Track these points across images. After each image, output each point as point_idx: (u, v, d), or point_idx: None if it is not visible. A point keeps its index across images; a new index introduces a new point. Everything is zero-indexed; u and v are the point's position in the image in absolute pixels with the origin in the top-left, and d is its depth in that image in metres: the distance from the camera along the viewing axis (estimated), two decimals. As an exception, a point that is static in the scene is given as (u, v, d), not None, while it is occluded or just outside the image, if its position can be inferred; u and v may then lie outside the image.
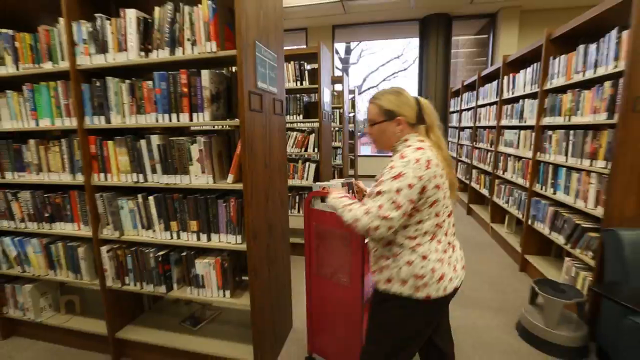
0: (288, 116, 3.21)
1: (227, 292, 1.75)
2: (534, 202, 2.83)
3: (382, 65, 10.65)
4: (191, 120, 1.61)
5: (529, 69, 3.00)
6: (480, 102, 4.42)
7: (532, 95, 2.99)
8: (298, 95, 3.18)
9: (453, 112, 6.05)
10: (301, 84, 3.14)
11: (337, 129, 4.88)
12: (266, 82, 1.74)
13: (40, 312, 2.15)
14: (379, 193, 1.02)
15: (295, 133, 3.25)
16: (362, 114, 10.66)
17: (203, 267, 1.74)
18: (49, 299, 2.19)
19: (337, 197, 1.18)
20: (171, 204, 1.73)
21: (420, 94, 7.04)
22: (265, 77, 1.72)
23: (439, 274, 1.05)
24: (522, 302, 2.46)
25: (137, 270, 1.84)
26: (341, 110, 4.74)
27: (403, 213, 1.01)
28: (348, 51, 9.84)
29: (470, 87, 5.12)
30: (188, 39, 1.53)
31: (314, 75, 3.12)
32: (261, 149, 1.70)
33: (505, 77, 3.55)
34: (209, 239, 1.72)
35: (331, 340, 1.70)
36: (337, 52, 9.36)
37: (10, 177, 1.96)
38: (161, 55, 1.59)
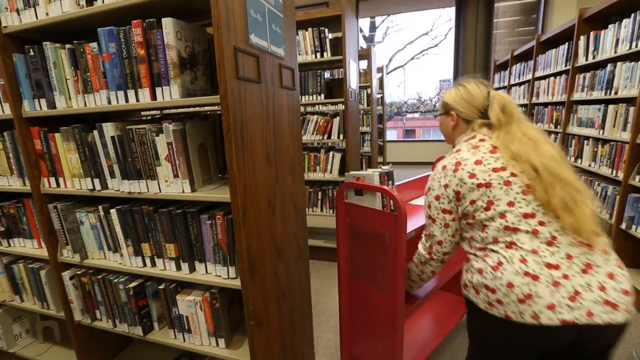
0: (306, 96, 2.59)
1: (222, 341, 1.21)
2: (632, 201, 2.06)
3: (409, 43, 9.65)
4: (154, 98, 1.04)
5: (628, 21, 2.16)
6: (539, 74, 3.55)
7: (633, 57, 2.16)
8: (318, 71, 2.55)
9: (498, 89, 5.14)
10: (321, 55, 2.49)
11: (364, 111, 4.20)
12: (265, 37, 1.13)
13: (14, 340, 1.74)
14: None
15: (315, 117, 2.63)
16: (390, 95, 9.75)
17: (187, 306, 1.20)
18: (25, 324, 1.78)
19: None
20: (140, 220, 1.19)
21: (456, 71, 6.12)
22: (263, 29, 1.11)
23: (522, 293, 0.78)
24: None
25: (108, 304, 1.34)
26: (369, 91, 4.04)
27: (442, 225, 0.99)
28: (373, 28, 8.92)
29: (523, 56, 4.21)
30: (137, -31, 0.95)
31: (338, 46, 2.46)
32: (260, 138, 1.11)
33: (582, 38, 2.70)
34: (191, 270, 1.17)
35: (367, 351, 1.41)
36: (361, 30, 8.49)
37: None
38: (107, 0, 1.02)
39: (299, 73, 2.50)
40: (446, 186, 0.96)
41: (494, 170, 0.89)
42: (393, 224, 1.18)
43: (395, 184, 1.46)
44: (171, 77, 1.01)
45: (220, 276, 1.12)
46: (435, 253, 1.04)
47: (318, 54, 2.50)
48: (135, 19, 1.01)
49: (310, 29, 2.47)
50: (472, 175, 0.91)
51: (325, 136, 2.63)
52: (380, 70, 5.10)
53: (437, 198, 0.98)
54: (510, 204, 0.85)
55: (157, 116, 1.59)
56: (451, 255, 1.05)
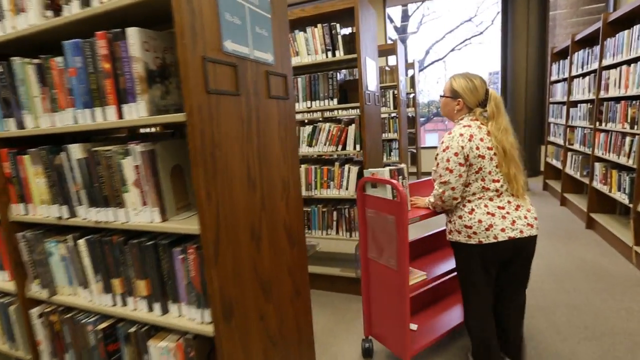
0: (317, 101, 2.59)
1: (199, 396, 1.19)
2: None
3: (449, 32, 9.48)
4: (120, 117, 1.07)
5: None
6: (607, 62, 3.32)
7: None
8: (330, 72, 2.54)
9: (556, 82, 4.88)
10: (333, 54, 2.49)
11: (391, 115, 4.13)
12: (246, 42, 1.13)
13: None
14: (437, 166, 1.53)
15: (327, 125, 2.61)
16: (425, 94, 9.59)
17: (159, 354, 1.20)
18: (2, 363, 1.86)
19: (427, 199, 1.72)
20: (110, 252, 1.21)
21: (504, 61, 5.91)
22: (242, 33, 1.11)
23: (487, 224, 1.46)
24: None
25: (76, 348, 1.37)
26: (395, 92, 3.98)
27: (457, 174, 1.48)
28: (405, 17, 8.87)
29: (588, 41, 3.98)
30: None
31: (352, 42, 2.45)
32: (239, 159, 1.10)
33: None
34: (164, 311, 1.17)
35: (383, 323, 1.84)
36: (392, 20, 8.48)
37: None
38: (75, 10, 1.07)
39: (306, 77, 2.54)
40: (462, 147, 1.47)
41: (488, 148, 1.48)
42: (398, 210, 1.58)
43: (410, 182, 1.89)
44: (137, 93, 1.03)
45: (194, 320, 1.11)
46: (447, 198, 1.52)
47: (329, 53, 2.50)
48: (103, 30, 1.05)
49: (320, 25, 2.49)
50: (478, 148, 1.47)
51: (340, 147, 2.60)
52: (411, 66, 5.02)
53: (456, 154, 1.47)
54: (489, 172, 1.48)
55: (132, 135, 1.64)
56: (459, 200, 1.53)
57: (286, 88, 1.39)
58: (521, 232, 1.45)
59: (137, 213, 1.11)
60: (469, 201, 1.50)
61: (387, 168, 1.69)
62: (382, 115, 4.12)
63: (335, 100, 2.55)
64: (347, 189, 2.61)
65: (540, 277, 2.71)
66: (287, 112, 1.39)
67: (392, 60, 4.03)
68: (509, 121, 1.53)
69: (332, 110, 2.71)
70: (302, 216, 1.51)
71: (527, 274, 1.58)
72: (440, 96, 1.66)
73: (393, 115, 4.10)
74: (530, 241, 1.49)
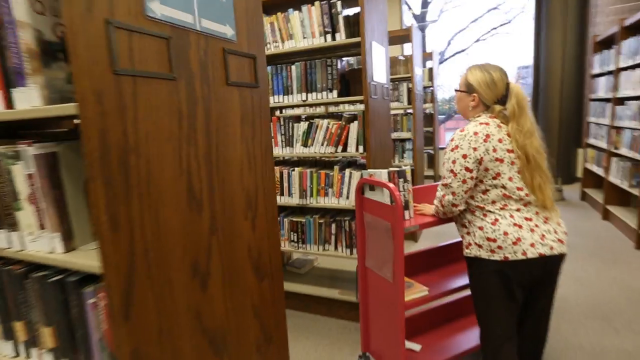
0: (313, 93, 2.31)
1: None
2: None
3: (474, 21, 9.07)
4: (8, 106, 0.81)
5: None
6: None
7: None
8: (329, 60, 2.26)
9: (598, 75, 4.48)
10: (333, 38, 2.21)
11: (404, 112, 3.82)
12: (188, 6, 0.86)
13: None
14: (444, 164, 1.41)
15: (325, 122, 2.33)
16: (446, 89, 9.24)
17: None
18: None
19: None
20: (9, 286, 0.96)
21: (537, 53, 5.52)
22: (180, -7, 0.84)
23: (514, 238, 1.30)
24: None
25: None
26: (410, 84, 3.67)
27: (461, 180, 1.35)
28: (425, 4, 8.50)
29: (638, 28, 3.58)
30: None
31: (357, 25, 2.16)
32: (172, 167, 0.83)
33: None
34: (74, 371, 0.91)
35: (380, 340, 1.76)
36: (409, 7, 8.12)
37: None
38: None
39: (301, 65, 2.27)
40: (475, 149, 1.33)
41: (508, 151, 1.34)
42: (393, 215, 1.48)
43: (413, 186, 1.76)
44: (27, 74, 0.77)
45: (109, 389, 0.85)
46: (446, 203, 1.41)
47: (328, 37, 2.22)
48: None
49: (317, 3, 2.21)
50: (495, 150, 1.33)
51: (340, 148, 2.32)
52: (429, 57, 4.70)
53: (464, 157, 1.33)
54: (510, 179, 1.34)
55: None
56: (459, 208, 1.41)
57: (255, 73, 1.12)
58: (552, 248, 1.31)
59: (34, 239, 0.85)
60: (490, 211, 1.36)
61: (386, 170, 1.64)
62: (394, 112, 3.82)
63: (335, 93, 2.27)
64: (347, 197, 2.33)
65: (582, 310, 2.36)
66: (256, 104, 1.12)
67: (407, 49, 3.71)
68: (534, 121, 1.39)
69: (330, 104, 2.44)
70: (278, 237, 1.23)
71: (551, 302, 1.43)
72: (455, 90, 1.54)
73: (405, 111, 3.79)
74: (560, 260, 1.36)
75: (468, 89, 1.44)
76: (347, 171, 2.31)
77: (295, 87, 2.35)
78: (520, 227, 1.31)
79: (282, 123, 2.42)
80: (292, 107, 2.53)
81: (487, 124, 1.36)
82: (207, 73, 0.93)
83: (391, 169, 1.66)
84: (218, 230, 0.97)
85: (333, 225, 2.43)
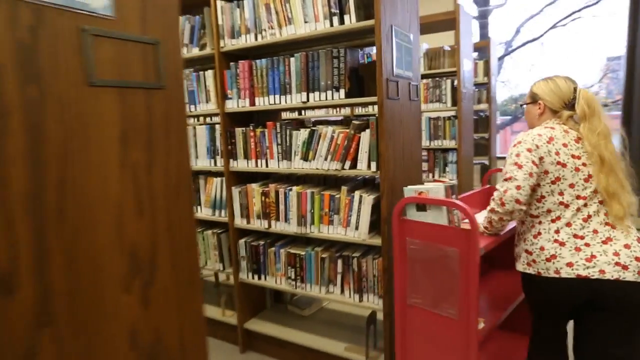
0: (315, 93, 1.96)
1: None
2: None
3: (550, 4, 8.19)
4: None
5: None
6: None
7: None
8: (335, 50, 1.89)
9: None
10: (341, 21, 1.84)
11: (447, 116, 3.34)
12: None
13: None
14: (505, 164, 1.41)
15: (330, 130, 1.96)
16: (512, 86, 8.49)
17: None
18: None
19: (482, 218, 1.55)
20: None
21: (632, 40, 4.74)
22: None
23: (549, 254, 1.33)
24: None
25: None
26: (455, 81, 3.20)
27: (527, 172, 1.33)
28: (488, -14, 7.81)
29: None
30: None
31: (371, 5, 1.77)
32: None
33: None
34: None
35: None
36: (469, -10, 7.52)
37: None
38: None
39: (301, 57, 1.89)
40: (537, 146, 1.38)
41: (573, 156, 1.39)
42: (464, 240, 1.42)
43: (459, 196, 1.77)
44: None
45: None
46: (508, 199, 1.35)
47: (335, 20, 1.86)
48: None
49: (321, -23, 1.86)
50: (557, 153, 1.38)
51: (347, 163, 1.94)
52: (484, 46, 4.16)
53: (529, 150, 1.38)
54: (571, 185, 1.37)
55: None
56: (522, 208, 1.36)
57: (158, 67, 0.79)
58: (602, 272, 1.28)
59: None
60: (540, 222, 1.41)
61: (442, 185, 1.58)
62: (434, 114, 3.34)
63: (342, 92, 1.90)
64: (356, 227, 1.95)
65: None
66: (157, 113, 0.80)
67: (447, 39, 3.24)
68: (610, 126, 1.40)
69: (337, 107, 2.06)
70: (201, 312, 0.90)
71: (620, 339, 1.32)
72: (521, 105, 1.66)
73: (449, 115, 3.30)
74: (624, 288, 1.26)
75: (533, 98, 1.53)
76: (357, 194, 1.93)
77: (294, 86, 2.01)
78: (562, 244, 1.33)
79: (278, 130, 2.09)
80: (288, 110, 2.21)
81: (552, 128, 1.43)
82: (38, 65, 0.62)
83: (449, 182, 1.63)
84: (58, 319, 0.65)
85: (339, 262, 2.06)
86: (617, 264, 1.26)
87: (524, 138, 1.40)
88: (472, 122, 3.50)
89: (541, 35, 8.36)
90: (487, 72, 4.16)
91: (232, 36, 2.13)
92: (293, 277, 2.17)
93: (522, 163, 1.34)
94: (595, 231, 1.32)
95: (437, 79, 3.28)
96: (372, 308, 1.96)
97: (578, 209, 1.34)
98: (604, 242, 1.30)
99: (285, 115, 4.48)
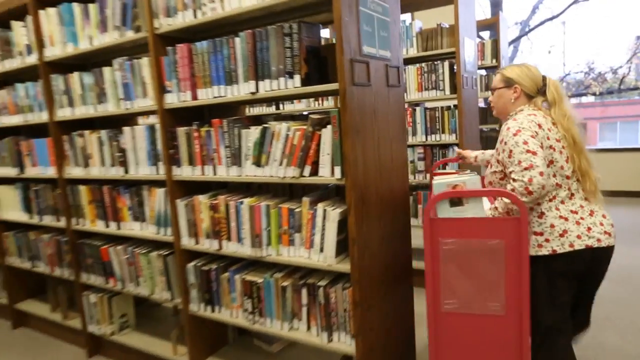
0: (266, 81, 1.65)
1: None
2: None
3: (570, -22, 7.81)
4: None
5: None
6: None
7: None
8: (287, 26, 1.58)
9: None
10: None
11: (446, 105, 3.01)
12: None
13: None
14: (510, 155, 1.49)
15: (284, 127, 1.66)
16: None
17: None
18: None
19: (491, 207, 1.63)
20: None
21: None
22: None
23: (560, 230, 1.50)
24: None
25: None
26: (455, 63, 2.87)
27: (543, 157, 1.46)
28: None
29: None
30: None
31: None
32: None
33: None
34: None
35: None
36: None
37: None
38: None
39: (247, 36, 1.58)
40: (537, 133, 1.51)
41: (557, 140, 1.55)
42: (513, 229, 1.44)
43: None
44: None
45: None
46: (535, 187, 1.42)
47: (285, -13, 1.55)
48: None
49: None
50: (548, 138, 1.54)
51: (307, 169, 1.63)
52: (491, 24, 3.83)
53: (533, 136, 1.49)
54: (562, 167, 1.54)
55: None
56: (546, 192, 1.50)
57: None
58: (599, 240, 1.51)
59: None
60: (539, 204, 1.55)
61: (477, 175, 1.65)
62: (432, 104, 3.02)
63: (298, 79, 1.59)
64: (321, 250, 1.66)
65: None
66: None
67: (447, 15, 2.91)
68: (573, 108, 1.60)
69: (292, 98, 1.75)
70: None
71: (596, 291, 1.67)
72: (492, 89, 1.76)
73: (449, 104, 2.97)
74: (609, 253, 1.55)
75: (507, 83, 1.65)
76: (320, 207, 1.62)
77: (241, 73, 1.71)
78: (566, 219, 1.51)
79: (225, 129, 1.79)
80: (236, 103, 1.91)
81: (534, 114, 1.56)
82: None
83: (470, 175, 1.66)
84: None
85: (303, 292, 1.76)
86: (605, 232, 1.53)
87: (522, 125, 1.50)
88: (477, 112, 3.17)
89: (561, 13, 7.96)
90: (496, 54, 3.83)
91: (167, 14, 1.84)
92: (251, 309, 1.87)
93: (534, 149, 1.45)
94: (581, 206, 1.55)
95: (435, 62, 2.96)
96: (343, 352, 1.66)
97: (568, 188, 1.55)
98: (590, 215, 1.54)
99: (257, 110, 4.12)
